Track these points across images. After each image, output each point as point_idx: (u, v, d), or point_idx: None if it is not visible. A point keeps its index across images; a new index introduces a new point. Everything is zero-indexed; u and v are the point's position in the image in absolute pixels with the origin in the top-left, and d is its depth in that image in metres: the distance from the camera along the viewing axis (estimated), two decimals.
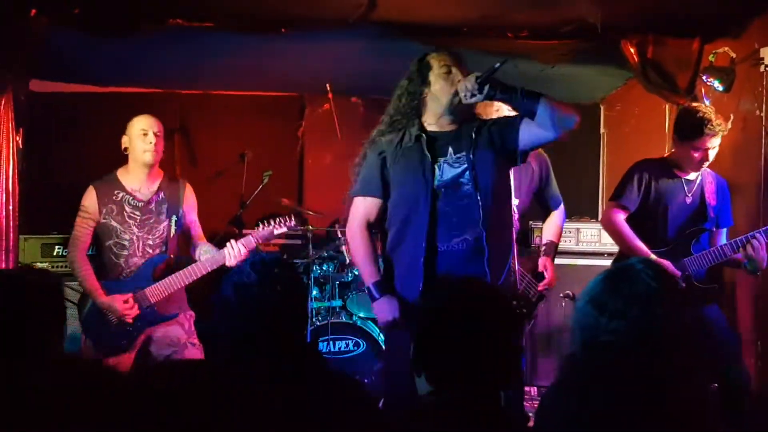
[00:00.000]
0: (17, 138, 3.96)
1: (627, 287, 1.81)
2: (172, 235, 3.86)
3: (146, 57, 4.82)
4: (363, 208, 3.14)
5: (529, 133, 2.97)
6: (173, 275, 3.78)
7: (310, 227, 5.27)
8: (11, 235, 3.93)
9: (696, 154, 3.77)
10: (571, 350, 1.88)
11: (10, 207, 3.92)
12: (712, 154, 3.79)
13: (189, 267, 3.79)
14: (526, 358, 4.61)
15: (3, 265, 3.84)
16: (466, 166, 3.00)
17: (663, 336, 1.76)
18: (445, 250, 2.99)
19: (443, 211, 2.99)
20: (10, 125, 3.91)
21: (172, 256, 3.88)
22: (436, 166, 3.01)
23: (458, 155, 3.02)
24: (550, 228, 4.19)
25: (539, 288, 4.00)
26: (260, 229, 3.87)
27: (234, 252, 3.72)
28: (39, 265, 4.77)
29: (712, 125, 3.70)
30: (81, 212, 3.83)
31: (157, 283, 3.77)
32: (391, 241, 3.11)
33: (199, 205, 4.06)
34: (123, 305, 3.72)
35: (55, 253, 4.72)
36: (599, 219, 4.25)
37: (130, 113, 4.37)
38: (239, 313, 2.06)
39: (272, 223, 3.88)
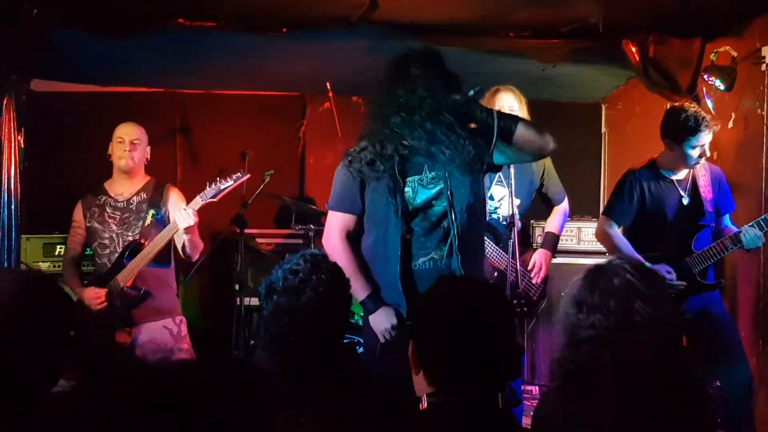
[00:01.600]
0: (19, 138, 3.97)
1: (604, 282, 1.82)
2: (147, 223, 3.87)
3: (147, 57, 4.82)
4: (345, 221, 3.04)
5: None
6: (137, 255, 3.78)
7: (312, 226, 5.26)
8: (13, 234, 3.94)
9: (694, 152, 3.75)
10: (557, 354, 1.88)
11: (12, 206, 3.93)
12: (707, 150, 3.79)
13: (148, 244, 3.79)
14: (525, 358, 4.61)
15: (5, 265, 3.86)
16: (441, 186, 2.92)
17: (643, 328, 1.75)
18: (417, 269, 2.92)
19: (414, 231, 2.93)
20: (12, 125, 3.91)
21: (143, 241, 3.86)
22: (408, 188, 2.92)
23: (433, 174, 2.93)
24: (551, 221, 4.21)
25: (534, 280, 4.05)
26: (207, 189, 3.81)
27: (183, 215, 3.67)
28: (41, 264, 4.79)
29: (707, 121, 3.71)
30: (72, 224, 3.98)
31: (125, 268, 3.79)
32: (367, 254, 3.02)
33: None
34: (91, 293, 3.78)
35: (56, 253, 4.73)
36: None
37: (132, 113, 4.37)
38: (283, 299, 2.11)
39: (218, 180, 3.83)
